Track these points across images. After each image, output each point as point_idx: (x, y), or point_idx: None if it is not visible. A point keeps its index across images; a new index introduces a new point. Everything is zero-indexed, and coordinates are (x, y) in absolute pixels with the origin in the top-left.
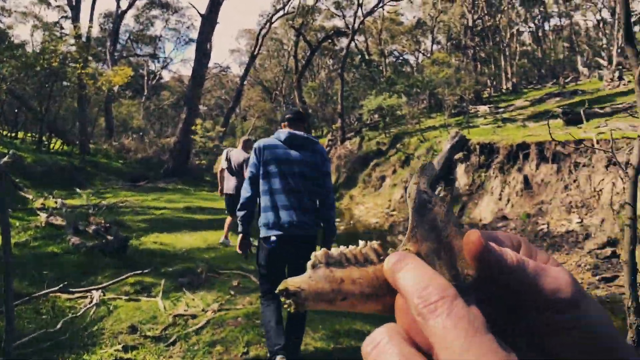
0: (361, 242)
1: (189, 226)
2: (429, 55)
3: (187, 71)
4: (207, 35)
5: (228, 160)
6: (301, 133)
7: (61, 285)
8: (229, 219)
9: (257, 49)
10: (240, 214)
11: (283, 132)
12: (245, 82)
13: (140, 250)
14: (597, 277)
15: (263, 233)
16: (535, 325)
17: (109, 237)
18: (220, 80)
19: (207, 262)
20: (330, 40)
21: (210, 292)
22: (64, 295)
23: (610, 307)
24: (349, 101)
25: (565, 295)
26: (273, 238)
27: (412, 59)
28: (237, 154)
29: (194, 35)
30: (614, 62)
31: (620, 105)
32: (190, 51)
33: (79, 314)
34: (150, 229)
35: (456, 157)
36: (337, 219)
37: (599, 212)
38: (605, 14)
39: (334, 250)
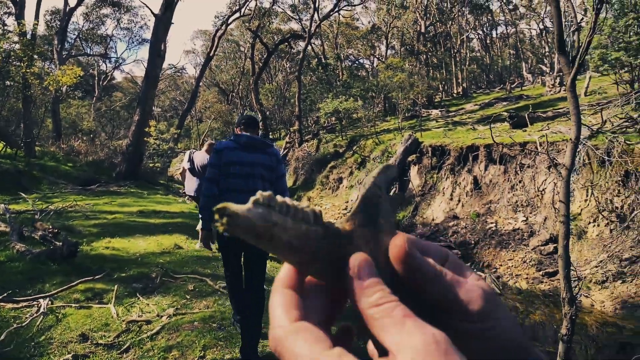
0: (305, 201)
1: (142, 230)
2: (383, 59)
3: (140, 72)
4: (161, 36)
5: (191, 161)
6: (257, 137)
7: (5, 294)
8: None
9: (213, 51)
10: (202, 213)
11: (241, 136)
12: (200, 84)
13: (92, 256)
14: (541, 272)
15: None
16: (449, 330)
17: (57, 243)
18: (175, 81)
19: (161, 266)
20: (287, 43)
21: (165, 297)
22: (8, 305)
23: (553, 300)
24: (307, 104)
25: (476, 308)
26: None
27: (367, 63)
28: (201, 156)
29: (148, 35)
30: (556, 69)
31: (561, 110)
32: (144, 51)
33: (24, 324)
34: (102, 233)
35: (409, 159)
36: None
37: (542, 210)
38: (548, 23)
39: (279, 197)
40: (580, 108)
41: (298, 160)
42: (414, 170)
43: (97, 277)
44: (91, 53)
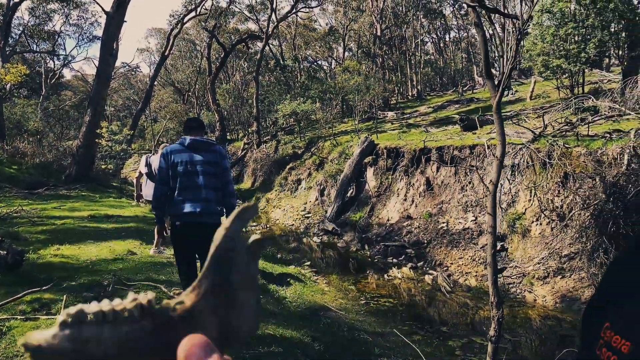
0: (130, 295)
1: (94, 236)
2: (341, 61)
3: (91, 70)
4: (113, 34)
5: (149, 165)
6: (200, 137)
7: None
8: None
9: (168, 50)
10: (155, 210)
11: (185, 138)
12: (155, 83)
13: (39, 264)
14: None
15: (173, 221)
16: None
17: (1, 252)
18: (128, 80)
19: (114, 274)
20: (244, 44)
21: None
22: None
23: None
24: (265, 105)
25: None
26: (178, 223)
27: (325, 65)
28: (157, 160)
29: (99, 32)
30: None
31: (508, 113)
32: (95, 49)
33: None
34: (51, 240)
35: (365, 160)
36: (254, 223)
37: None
38: (498, 29)
39: (93, 306)
40: (525, 112)
41: (256, 161)
42: (370, 172)
43: (44, 287)
44: (38, 50)
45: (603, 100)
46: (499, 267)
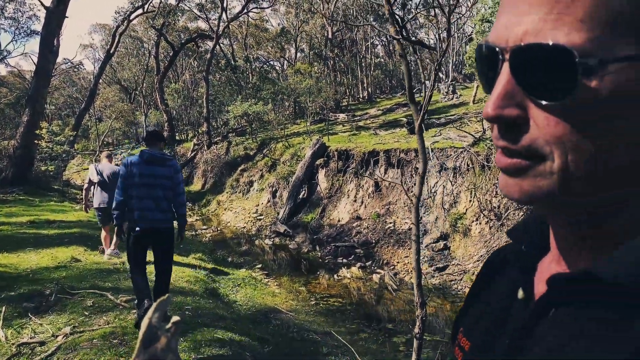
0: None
1: (34, 243)
2: (293, 62)
3: (29, 66)
4: (53, 30)
5: (100, 174)
6: (158, 152)
7: None
8: (104, 233)
9: (113, 48)
10: (115, 212)
11: (144, 152)
12: (100, 81)
13: None
14: (433, 268)
15: (131, 226)
16: None
17: None
18: (70, 77)
19: (57, 282)
20: (194, 43)
21: (61, 315)
22: None
23: (443, 292)
24: (215, 105)
25: None
26: (137, 229)
27: (277, 65)
28: (108, 167)
29: (38, 26)
30: (450, 77)
31: (452, 117)
32: (33, 44)
33: None
34: None
35: (317, 162)
36: (204, 226)
37: (434, 210)
38: (445, 33)
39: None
40: (468, 116)
41: (207, 163)
42: (321, 174)
43: None
44: None
45: None
46: (441, 265)
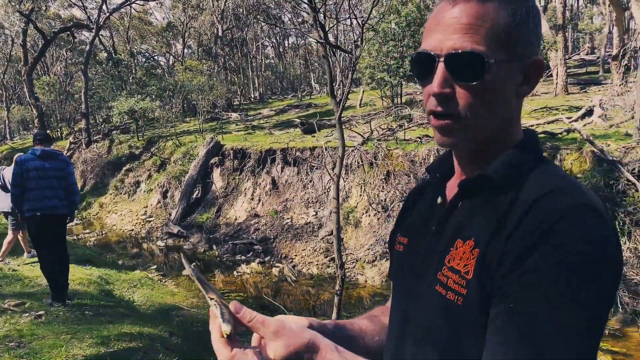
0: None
1: None
2: (180, 59)
3: None
4: None
5: (1, 178)
6: (49, 148)
7: None
8: (13, 236)
9: None
10: (15, 205)
11: (37, 149)
12: None
13: None
14: (328, 258)
15: (31, 214)
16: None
17: None
18: None
19: None
20: (69, 32)
21: None
22: None
23: (333, 282)
24: (95, 100)
25: (272, 329)
26: (38, 214)
27: (163, 61)
28: (8, 172)
29: None
30: (338, 81)
31: (343, 118)
32: None
33: None
34: None
35: (212, 161)
36: (86, 231)
37: (328, 205)
38: (331, 38)
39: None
40: (355, 118)
41: (86, 162)
42: (216, 173)
43: None
44: None
45: (416, 109)
46: (334, 257)
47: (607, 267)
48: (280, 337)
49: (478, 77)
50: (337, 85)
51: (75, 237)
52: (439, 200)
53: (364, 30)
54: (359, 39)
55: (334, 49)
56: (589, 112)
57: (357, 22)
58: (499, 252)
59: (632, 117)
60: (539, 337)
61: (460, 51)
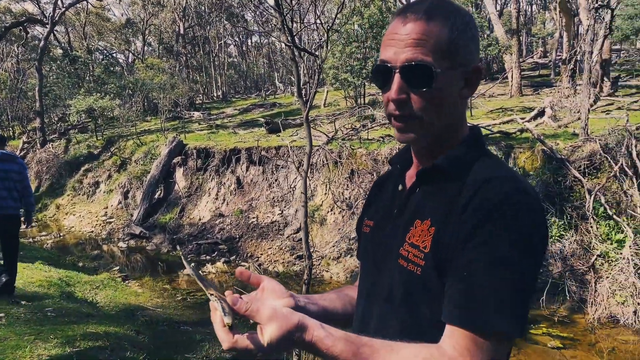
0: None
1: None
2: (140, 56)
3: None
4: None
5: None
6: (6, 151)
7: None
8: None
9: None
10: None
11: None
12: None
13: None
14: (294, 256)
15: None
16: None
17: None
18: None
19: None
20: (21, 27)
21: None
22: None
23: (299, 279)
24: (50, 98)
25: (266, 315)
26: None
27: (122, 58)
28: None
29: None
30: (302, 81)
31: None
32: None
33: None
34: None
35: (174, 161)
36: (43, 233)
37: (294, 204)
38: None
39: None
40: (319, 118)
41: (41, 162)
42: (179, 172)
43: None
44: None
45: (378, 110)
46: (302, 253)
47: (539, 239)
48: (273, 321)
49: (428, 84)
50: (303, 86)
51: (31, 240)
52: (400, 187)
53: (329, 35)
54: (324, 42)
55: (300, 52)
56: (541, 113)
57: (323, 27)
58: (451, 229)
59: (579, 118)
60: (484, 286)
61: (413, 62)
